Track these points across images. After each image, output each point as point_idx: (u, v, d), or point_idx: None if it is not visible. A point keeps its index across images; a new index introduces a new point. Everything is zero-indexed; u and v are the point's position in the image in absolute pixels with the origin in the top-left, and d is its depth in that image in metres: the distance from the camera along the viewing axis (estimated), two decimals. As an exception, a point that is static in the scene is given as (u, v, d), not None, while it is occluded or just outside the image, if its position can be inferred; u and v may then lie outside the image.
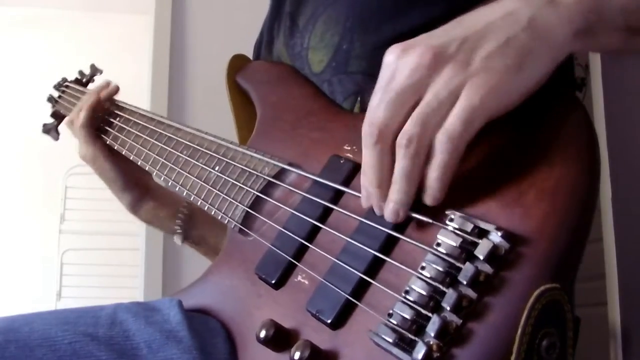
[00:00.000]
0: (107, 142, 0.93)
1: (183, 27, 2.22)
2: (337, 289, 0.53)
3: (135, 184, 0.94)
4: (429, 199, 0.48)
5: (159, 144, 0.84)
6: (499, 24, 0.46)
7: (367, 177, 0.50)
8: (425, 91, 0.47)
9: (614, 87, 1.74)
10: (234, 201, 0.69)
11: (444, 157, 0.46)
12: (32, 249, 3.20)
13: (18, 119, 3.18)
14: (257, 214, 0.67)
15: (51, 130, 1.11)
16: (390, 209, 0.49)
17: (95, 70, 1.10)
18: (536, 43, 0.45)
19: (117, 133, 0.92)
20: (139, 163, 0.86)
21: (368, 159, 0.49)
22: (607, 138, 1.70)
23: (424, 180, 0.48)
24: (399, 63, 0.48)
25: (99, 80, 1.07)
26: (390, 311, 0.47)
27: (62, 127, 1.11)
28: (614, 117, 1.72)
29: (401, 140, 0.46)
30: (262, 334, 0.54)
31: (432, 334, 0.43)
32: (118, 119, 0.93)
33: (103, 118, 0.96)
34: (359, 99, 0.69)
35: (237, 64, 0.84)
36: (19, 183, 3.22)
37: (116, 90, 0.97)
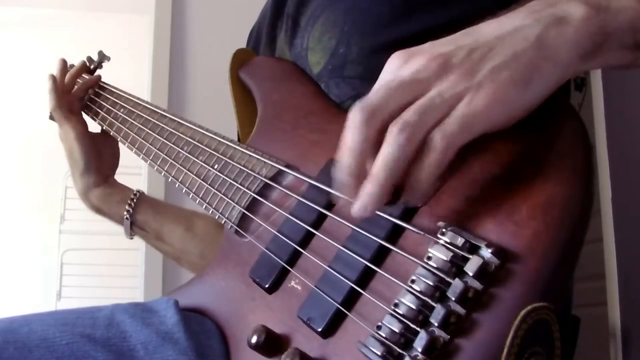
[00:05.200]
0: (104, 128, 0.96)
1: (183, 27, 2.22)
2: (328, 298, 0.53)
3: (96, 171, 0.94)
4: (409, 196, 0.45)
5: (161, 138, 0.83)
6: (507, 38, 0.45)
7: (344, 163, 0.46)
8: (428, 90, 0.45)
9: (614, 87, 1.74)
10: (231, 201, 0.69)
11: (435, 155, 0.44)
12: (32, 249, 3.20)
13: (18, 119, 3.18)
14: (253, 216, 0.67)
15: None
16: (360, 204, 0.45)
17: (103, 57, 1.08)
18: (542, 61, 0.45)
19: (120, 124, 0.92)
20: (140, 157, 0.86)
21: (349, 142, 0.45)
22: (607, 138, 1.70)
23: (407, 179, 0.45)
24: (403, 67, 0.47)
25: (106, 66, 1.07)
26: (380, 323, 0.46)
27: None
28: (614, 117, 1.72)
29: (395, 125, 0.44)
30: (254, 339, 0.55)
31: (419, 349, 0.43)
32: (122, 110, 0.94)
33: (95, 102, 0.98)
34: (356, 103, 0.69)
35: (241, 58, 0.84)
36: (19, 183, 3.22)
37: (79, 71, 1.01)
